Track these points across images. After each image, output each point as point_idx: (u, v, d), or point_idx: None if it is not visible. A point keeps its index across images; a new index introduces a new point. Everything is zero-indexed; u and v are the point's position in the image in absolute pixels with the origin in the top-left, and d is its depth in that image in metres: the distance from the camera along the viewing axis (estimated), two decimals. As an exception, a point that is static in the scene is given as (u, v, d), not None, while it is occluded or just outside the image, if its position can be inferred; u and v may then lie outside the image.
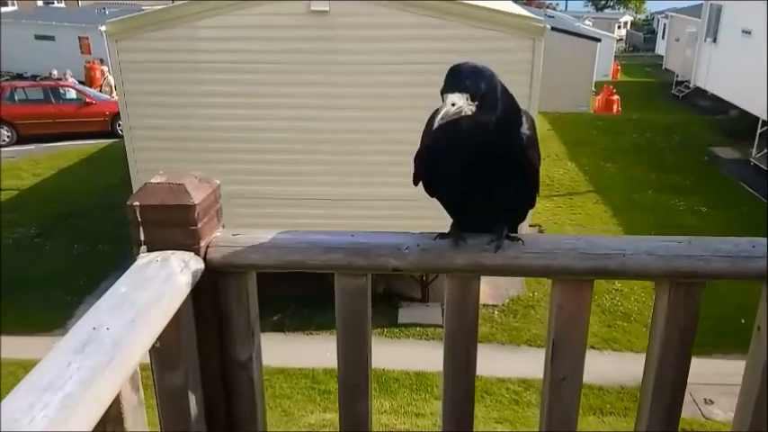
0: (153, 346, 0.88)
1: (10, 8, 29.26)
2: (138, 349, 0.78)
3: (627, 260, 0.97)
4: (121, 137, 8.01)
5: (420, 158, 1.11)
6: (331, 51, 6.87)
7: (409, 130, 7.10)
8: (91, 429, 0.66)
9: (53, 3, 32.38)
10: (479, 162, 1.02)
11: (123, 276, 0.91)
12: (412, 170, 1.10)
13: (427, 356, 6.93)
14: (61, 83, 17.03)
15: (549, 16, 20.95)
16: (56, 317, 7.68)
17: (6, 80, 19.90)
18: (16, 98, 15.80)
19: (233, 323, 1.06)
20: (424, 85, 6.85)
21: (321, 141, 7.11)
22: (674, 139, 15.04)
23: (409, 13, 6.65)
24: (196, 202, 0.99)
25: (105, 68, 19.50)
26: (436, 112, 0.97)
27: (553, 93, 14.56)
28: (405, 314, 8.31)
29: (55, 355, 0.72)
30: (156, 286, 0.88)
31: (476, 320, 1.03)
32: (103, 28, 6.92)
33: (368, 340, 1.07)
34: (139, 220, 0.99)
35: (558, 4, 50.88)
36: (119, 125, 15.40)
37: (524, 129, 1.05)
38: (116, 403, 0.78)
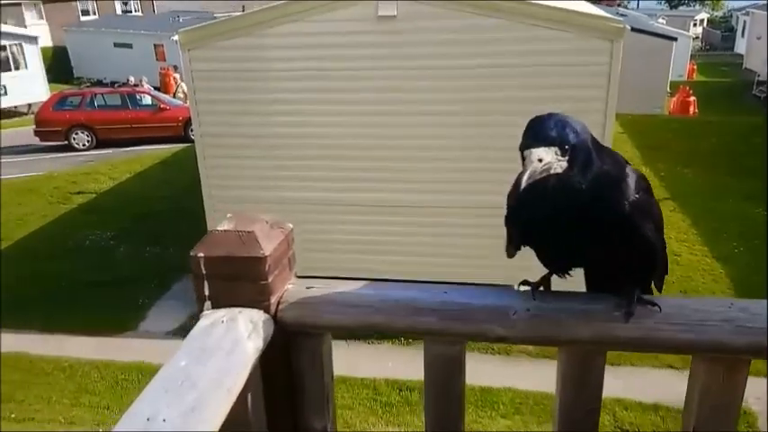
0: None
1: (91, 17, 30.81)
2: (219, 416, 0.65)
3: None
4: (193, 142, 8.15)
5: (507, 222, 0.94)
6: (399, 56, 6.74)
7: (479, 135, 6.93)
8: None
9: (131, 12, 33.86)
10: (573, 227, 0.85)
11: (184, 345, 0.78)
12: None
13: (493, 372, 6.66)
14: (137, 89, 17.71)
15: (620, 14, 20.16)
16: (128, 319, 7.89)
17: (87, 86, 20.88)
18: (96, 104, 16.53)
19: (306, 390, 0.92)
20: (493, 89, 6.68)
21: (390, 147, 7.01)
22: (755, 142, 14.07)
23: (477, 15, 6.44)
24: (267, 254, 0.86)
25: (179, 75, 20.16)
26: (522, 173, 0.81)
27: (625, 94, 13.93)
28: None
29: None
30: (221, 360, 0.75)
31: (598, 404, 0.84)
32: (176, 37, 7.06)
33: (461, 415, 0.91)
34: (204, 272, 0.86)
35: (629, 2, 49.09)
36: (191, 130, 15.86)
37: (630, 193, 0.86)
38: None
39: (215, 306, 0.87)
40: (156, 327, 7.72)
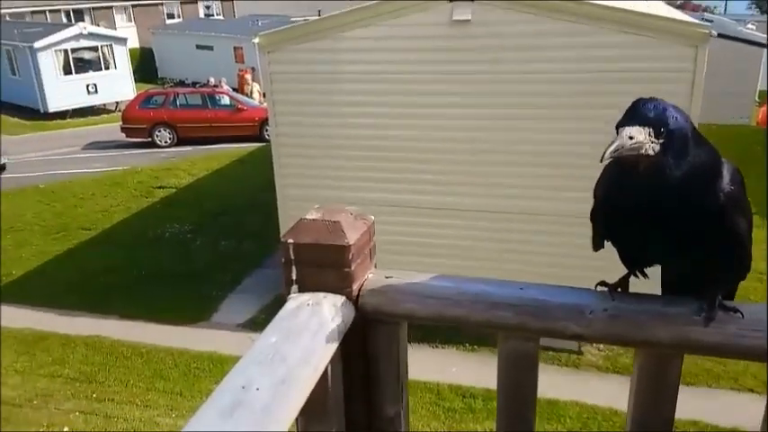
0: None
1: (176, 20, 32.31)
2: (287, 417, 0.70)
3: None
4: (269, 141, 8.43)
5: (593, 216, 0.91)
6: (472, 61, 6.73)
7: (555, 142, 6.79)
8: None
9: (213, 15, 35.26)
10: (661, 218, 0.82)
11: (273, 323, 0.84)
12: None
13: (560, 385, 6.52)
14: (217, 90, 18.43)
15: (706, 20, 19.25)
16: (202, 309, 8.23)
17: (170, 86, 21.92)
18: (178, 103, 17.32)
19: (381, 376, 0.96)
20: (569, 95, 6.55)
21: (460, 151, 7.00)
22: None
23: (555, 19, 6.34)
24: (351, 243, 0.91)
25: (250, 76, 20.87)
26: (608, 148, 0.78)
27: (710, 103, 13.29)
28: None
29: (202, 421, 0.65)
30: (308, 340, 0.80)
31: (673, 409, 0.84)
32: (256, 40, 7.32)
33: (533, 414, 0.92)
34: (292, 258, 0.92)
35: (716, 7, 46.72)
36: (266, 130, 16.41)
37: (725, 184, 0.82)
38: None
39: (301, 290, 0.93)
40: (228, 319, 8.02)
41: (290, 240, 0.92)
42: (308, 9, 29.86)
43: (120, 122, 17.16)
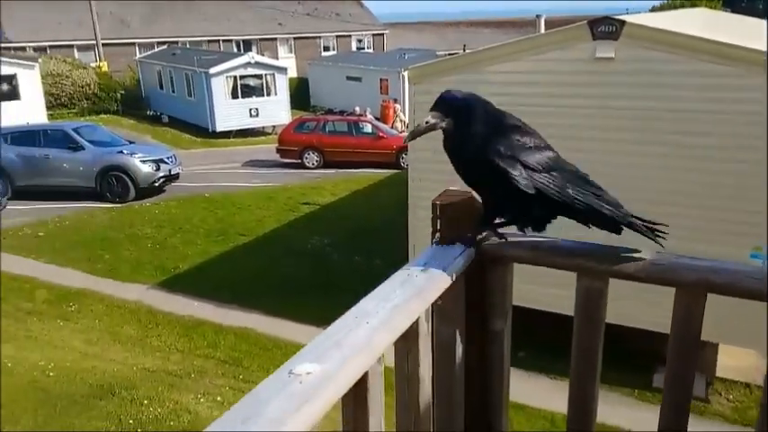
0: (435, 302, 1.25)
1: (331, 53, 34.83)
2: (433, 293, 1.16)
3: None
4: (404, 168, 9.08)
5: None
6: (614, 97, 6.89)
7: (697, 182, 6.69)
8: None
9: (364, 48, 37.54)
10: (466, 167, 1.27)
11: (423, 253, 1.31)
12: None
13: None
14: (361, 118, 19.74)
15: None
16: (336, 315, 8.93)
17: (321, 113, 23.73)
18: (327, 129, 18.79)
19: (494, 299, 1.39)
20: (713, 135, 6.49)
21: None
22: None
23: (702, 61, 6.35)
24: (478, 206, 1.36)
25: (398, 107, 22.02)
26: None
27: None
28: (662, 379, 7.69)
29: (389, 285, 1.14)
30: (443, 264, 1.26)
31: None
32: (406, 73, 8.02)
33: (599, 345, 1.29)
34: (438, 214, 1.39)
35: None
36: (402, 158, 17.31)
37: (495, 145, 1.23)
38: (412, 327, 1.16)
39: (442, 236, 1.39)
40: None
41: (438, 202, 1.39)
42: (454, 44, 30.83)
43: (277, 144, 18.93)
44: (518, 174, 1.22)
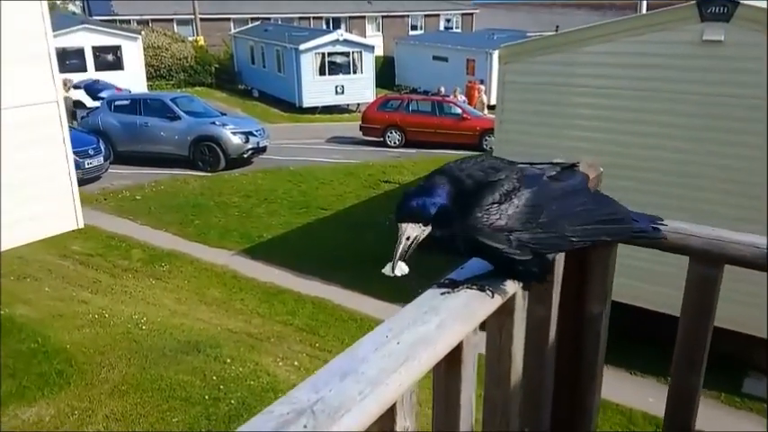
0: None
1: (418, 32, 34.56)
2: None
3: None
4: (486, 150, 8.91)
5: None
6: (720, 83, 6.46)
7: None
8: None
9: (452, 28, 36.99)
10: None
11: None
12: None
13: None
14: (446, 98, 19.51)
15: None
16: (409, 292, 8.98)
17: (405, 92, 23.66)
18: (410, 108, 18.73)
19: (592, 281, 1.33)
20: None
21: (693, 175, 6.76)
22: None
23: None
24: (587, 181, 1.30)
25: (482, 87, 21.60)
26: (397, 245, 1.15)
27: None
28: (751, 385, 7.27)
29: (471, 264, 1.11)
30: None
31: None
32: (495, 54, 7.85)
33: (707, 340, 1.21)
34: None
35: None
36: (485, 140, 17.01)
37: (467, 226, 1.11)
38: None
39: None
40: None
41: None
42: (546, 25, 29.80)
43: (360, 122, 19.09)
44: (507, 246, 1.12)
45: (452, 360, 0.99)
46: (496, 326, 1.18)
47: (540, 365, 1.33)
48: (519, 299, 1.17)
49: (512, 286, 1.12)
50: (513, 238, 1.12)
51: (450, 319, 0.94)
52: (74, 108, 17.86)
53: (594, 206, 1.18)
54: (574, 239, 1.14)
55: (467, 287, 1.10)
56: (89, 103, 18.60)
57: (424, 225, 1.14)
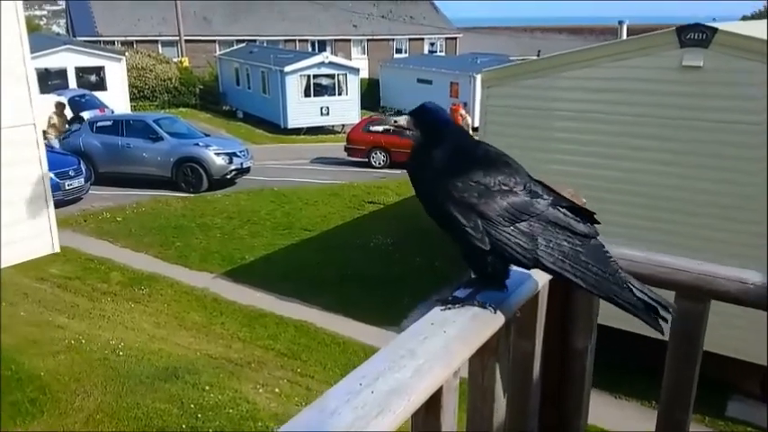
0: (514, 314, 1.17)
1: (403, 55, 34.88)
2: (515, 304, 1.08)
3: None
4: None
5: None
6: (698, 108, 6.55)
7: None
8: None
9: (436, 52, 37.40)
10: (422, 197, 1.15)
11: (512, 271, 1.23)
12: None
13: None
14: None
15: None
16: (395, 315, 8.92)
17: (390, 114, 23.69)
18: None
19: (576, 315, 1.29)
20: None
21: (672, 199, 6.81)
22: None
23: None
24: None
25: (464, 111, 21.78)
26: None
27: None
28: (736, 408, 7.26)
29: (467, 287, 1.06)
30: (523, 277, 1.18)
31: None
32: (478, 77, 7.91)
33: (695, 373, 1.18)
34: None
35: None
36: (470, 161, 17.00)
37: (454, 180, 1.08)
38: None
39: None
40: (416, 328, 8.59)
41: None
42: (527, 49, 30.25)
43: (345, 143, 19.10)
44: (471, 226, 1.07)
45: (432, 405, 0.94)
46: (479, 366, 1.13)
47: (524, 403, 1.28)
48: (502, 335, 1.12)
49: (496, 319, 1.07)
50: (481, 223, 1.07)
51: (428, 363, 0.89)
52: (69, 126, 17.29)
53: (589, 258, 1.08)
54: (542, 260, 1.06)
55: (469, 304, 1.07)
56: (70, 115, 17.99)
57: (414, 125, 1.16)
